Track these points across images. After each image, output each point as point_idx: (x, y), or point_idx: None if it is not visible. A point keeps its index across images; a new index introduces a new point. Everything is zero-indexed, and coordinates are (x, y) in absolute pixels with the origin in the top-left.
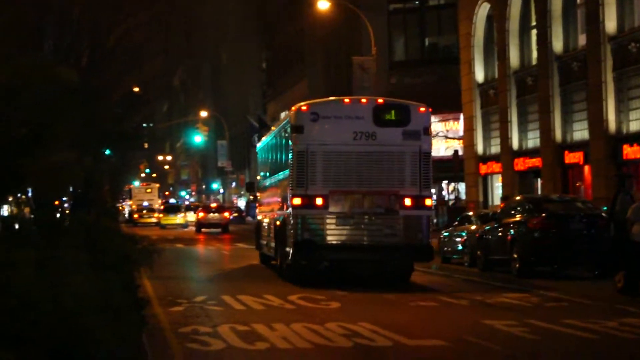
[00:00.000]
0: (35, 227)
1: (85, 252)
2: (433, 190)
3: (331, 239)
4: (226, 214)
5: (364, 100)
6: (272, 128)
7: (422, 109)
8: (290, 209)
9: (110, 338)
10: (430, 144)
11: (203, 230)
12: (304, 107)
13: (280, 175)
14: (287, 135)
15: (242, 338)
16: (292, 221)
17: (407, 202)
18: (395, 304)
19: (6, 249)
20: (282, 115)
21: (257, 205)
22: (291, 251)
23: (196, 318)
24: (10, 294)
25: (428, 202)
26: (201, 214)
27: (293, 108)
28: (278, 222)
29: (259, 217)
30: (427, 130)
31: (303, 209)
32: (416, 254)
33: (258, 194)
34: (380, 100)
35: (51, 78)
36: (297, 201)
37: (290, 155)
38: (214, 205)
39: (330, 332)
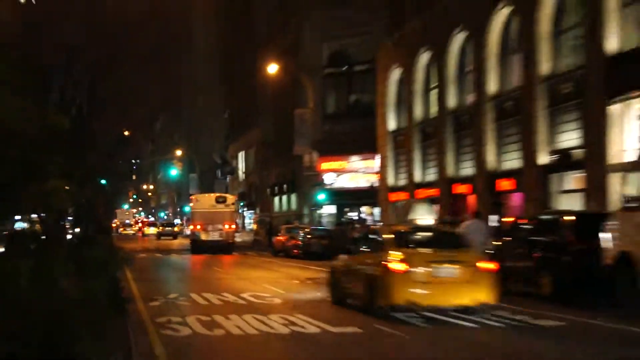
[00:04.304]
0: (35, 241)
1: (72, 261)
2: (358, 214)
3: (203, 239)
4: (176, 228)
5: (212, 195)
6: (191, 198)
7: (231, 197)
8: (190, 230)
9: (94, 328)
10: (236, 209)
11: (162, 237)
12: (193, 197)
13: (190, 217)
14: (190, 203)
15: (205, 326)
16: (190, 234)
17: (227, 227)
18: (321, 301)
19: (7, 260)
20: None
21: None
22: (190, 244)
23: (170, 311)
24: (6, 298)
25: (233, 226)
26: (160, 228)
27: (190, 197)
28: (190, 234)
29: (189, 234)
30: (233, 204)
31: (195, 230)
32: (230, 246)
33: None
34: (218, 194)
35: (45, 123)
36: (191, 227)
37: (189, 211)
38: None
39: (272, 322)
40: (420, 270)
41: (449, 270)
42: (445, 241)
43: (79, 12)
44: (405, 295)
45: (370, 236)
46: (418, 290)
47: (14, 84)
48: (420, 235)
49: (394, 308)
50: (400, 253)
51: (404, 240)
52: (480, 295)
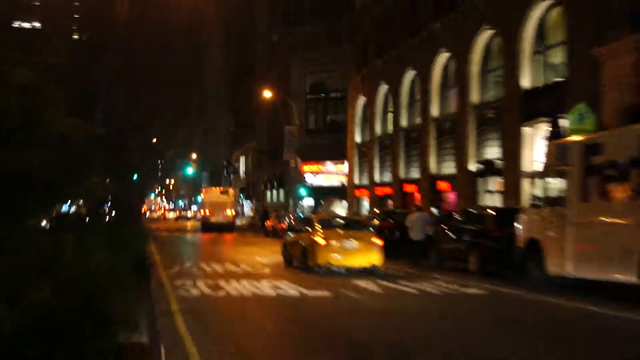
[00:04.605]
0: (78, 221)
1: (108, 237)
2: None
3: (213, 221)
4: (190, 214)
5: (217, 188)
6: (202, 190)
7: (232, 190)
8: (201, 215)
9: (122, 288)
10: (236, 199)
11: (179, 220)
12: (203, 190)
13: (202, 205)
14: (201, 195)
15: (210, 288)
16: (202, 217)
17: (228, 212)
18: (299, 270)
19: (56, 233)
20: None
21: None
22: (201, 225)
23: (184, 276)
24: (56, 261)
25: (233, 212)
26: (178, 212)
27: (201, 190)
28: (201, 218)
29: (200, 218)
30: (232, 194)
31: (205, 215)
32: (231, 225)
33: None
34: (222, 188)
35: (87, 132)
36: (202, 212)
37: (201, 200)
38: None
39: (263, 286)
40: (335, 243)
41: (353, 243)
42: (352, 225)
43: (117, 47)
44: (325, 259)
45: (307, 221)
46: (333, 255)
47: (67, 105)
48: (336, 221)
49: (319, 266)
50: (322, 232)
51: (326, 224)
52: (373, 259)
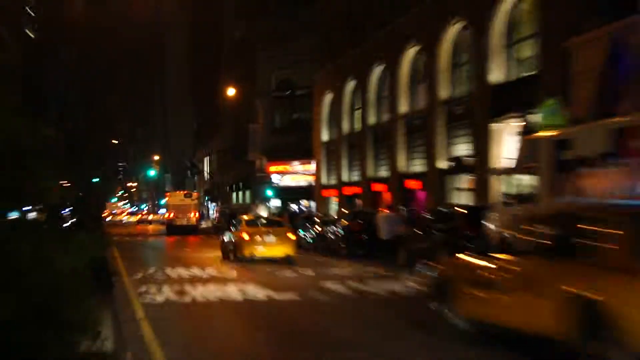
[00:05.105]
0: (33, 227)
1: (61, 243)
2: (298, 206)
3: (177, 224)
4: (151, 217)
5: (181, 192)
6: (166, 194)
7: (195, 193)
8: (165, 218)
9: (80, 294)
10: (200, 202)
11: (140, 224)
12: (168, 194)
13: (166, 208)
14: (164, 198)
15: (176, 294)
16: (166, 220)
17: (192, 215)
18: (269, 273)
19: (10, 242)
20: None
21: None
22: (166, 228)
23: (148, 282)
24: (13, 265)
25: (197, 215)
26: (139, 216)
27: (165, 194)
28: (166, 221)
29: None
30: (197, 199)
31: (169, 218)
32: (195, 228)
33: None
34: (186, 191)
35: (36, 134)
36: (166, 215)
37: (165, 203)
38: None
39: (229, 290)
40: (258, 238)
41: (271, 238)
42: (271, 223)
43: (74, 42)
44: (250, 251)
45: (236, 221)
46: (256, 248)
47: (14, 105)
48: (259, 220)
49: (244, 257)
50: (247, 229)
51: (250, 223)
52: (287, 250)
